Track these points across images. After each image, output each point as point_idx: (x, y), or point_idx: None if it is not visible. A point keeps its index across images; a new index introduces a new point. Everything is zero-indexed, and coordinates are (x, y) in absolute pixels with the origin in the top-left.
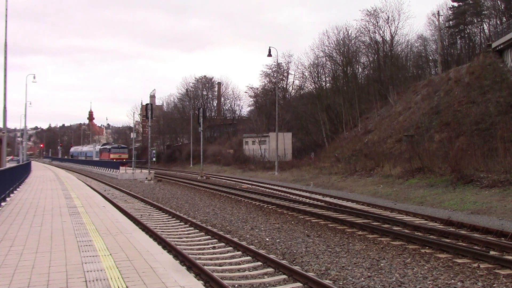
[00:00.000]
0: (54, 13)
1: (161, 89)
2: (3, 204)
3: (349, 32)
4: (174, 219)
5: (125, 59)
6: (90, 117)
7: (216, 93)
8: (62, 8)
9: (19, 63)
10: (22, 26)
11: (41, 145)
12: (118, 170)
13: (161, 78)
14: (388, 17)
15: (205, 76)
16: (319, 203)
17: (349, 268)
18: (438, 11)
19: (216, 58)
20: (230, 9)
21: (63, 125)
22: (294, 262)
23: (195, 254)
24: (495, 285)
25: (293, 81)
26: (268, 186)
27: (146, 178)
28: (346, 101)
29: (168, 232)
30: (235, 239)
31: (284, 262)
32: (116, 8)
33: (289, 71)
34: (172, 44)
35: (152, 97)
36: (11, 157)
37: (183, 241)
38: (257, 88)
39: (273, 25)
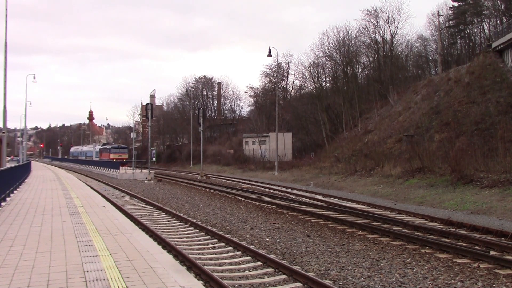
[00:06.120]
0: (59, 12)
1: (162, 89)
2: (3, 204)
3: (349, 32)
4: (174, 219)
5: (129, 59)
6: (90, 117)
7: (216, 93)
8: (67, 7)
9: (23, 62)
10: (26, 25)
11: (41, 145)
12: (118, 170)
13: (164, 78)
14: (388, 17)
15: (204, 76)
16: (319, 203)
17: (349, 268)
18: (438, 11)
19: (219, 57)
20: (237, 8)
21: (63, 125)
22: (294, 262)
23: (195, 254)
24: (495, 285)
25: (293, 81)
26: (268, 186)
27: (146, 178)
28: (346, 101)
29: (168, 232)
30: (235, 239)
31: (284, 262)
32: (121, 7)
33: (289, 71)
34: (177, 43)
35: (152, 97)
36: (11, 157)
37: (183, 241)
38: (257, 88)
39: (279, 24)
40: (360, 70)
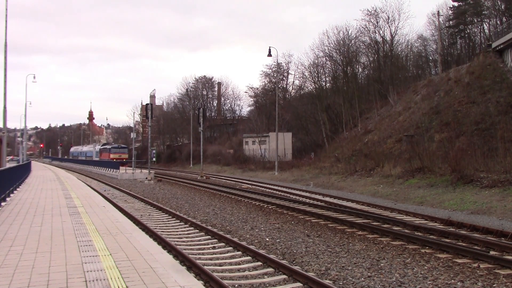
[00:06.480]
0: (59, 12)
1: (162, 89)
2: (3, 204)
3: (349, 32)
4: (174, 219)
5: (129, 59)
6: (90, 117)
7: (216, 93)
8: (68, 7)
9: (23, 62)
10: (26, 25)
11: (41, 145)
12: (118, 170)
13: (164, 78)
14: (388, 17)
15: (204, 76)
16: (319, 203)
17: (349, 268)
18: (438, 11)
19: (219, 57)
20: (237, 8)
21: (63, 125)
22: (294, 262)
23: (195, 254)
24: (495, 285)
25: (293, 81)
26: (268, 186)
27: (146, 178)
28: (346, 101)
29: (168, 232)
30: (235, 239)
31: (284, 262)
32: (122, 7)
33: (289, 71)
34: (177, 43)
35: (152, 97)
36: (11, 157)
37: (183, 241)
38: (257, 88)
39: (279, 24)
40: (360, 70)
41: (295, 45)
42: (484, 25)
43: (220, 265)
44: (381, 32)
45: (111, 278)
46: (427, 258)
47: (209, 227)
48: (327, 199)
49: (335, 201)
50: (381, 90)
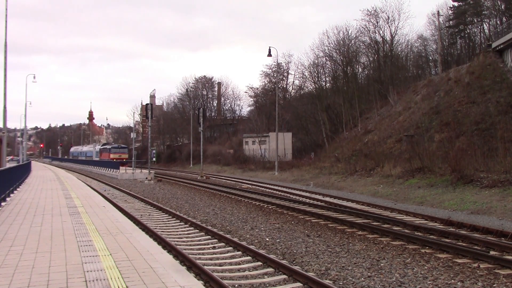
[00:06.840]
0: (59, 12)
1: (163, 89)
2: (3, 204)
3: (349, 32)
4: (174, 219)
5: (129, 59)
6: (90, 117)
7: (216, 93)
8: (68, 7)
9: (23, 62)
10: (26, 25)
11: (41, 145)
12: (118, 170)
13: (164, 78)
14: (388, 17)
15: (205, 76)
16: (319, 203)
17: (349, 268)
18: (438, 11)
19: (219, 57)
20: (237, 8)
21: (63, 125)
22: (294, 262)
23: (195, 254)
24: (495, 285)
25: (293, 81)
26: (268, 186)
27: (146, 178)
28: (346, 101)
29: (168, 232)
30: (235, 239)
31: (284, 262)
32: (122, 7)
33: (289, 71)
34: (177, 43)
35: (152, 97)
36: (11, 157)
37: (183, 241)
38: (257, 88)
39: (279, 24)
40: (360, 70)
41: (295, 45)
42: (484, 25)
43: (220, 265)
44: (381, 32)
45: (111, 278)
46: (427, 258)
47: (209, 227)
48: (327, 199)
49: (335, 201)
50: (381, 90)
